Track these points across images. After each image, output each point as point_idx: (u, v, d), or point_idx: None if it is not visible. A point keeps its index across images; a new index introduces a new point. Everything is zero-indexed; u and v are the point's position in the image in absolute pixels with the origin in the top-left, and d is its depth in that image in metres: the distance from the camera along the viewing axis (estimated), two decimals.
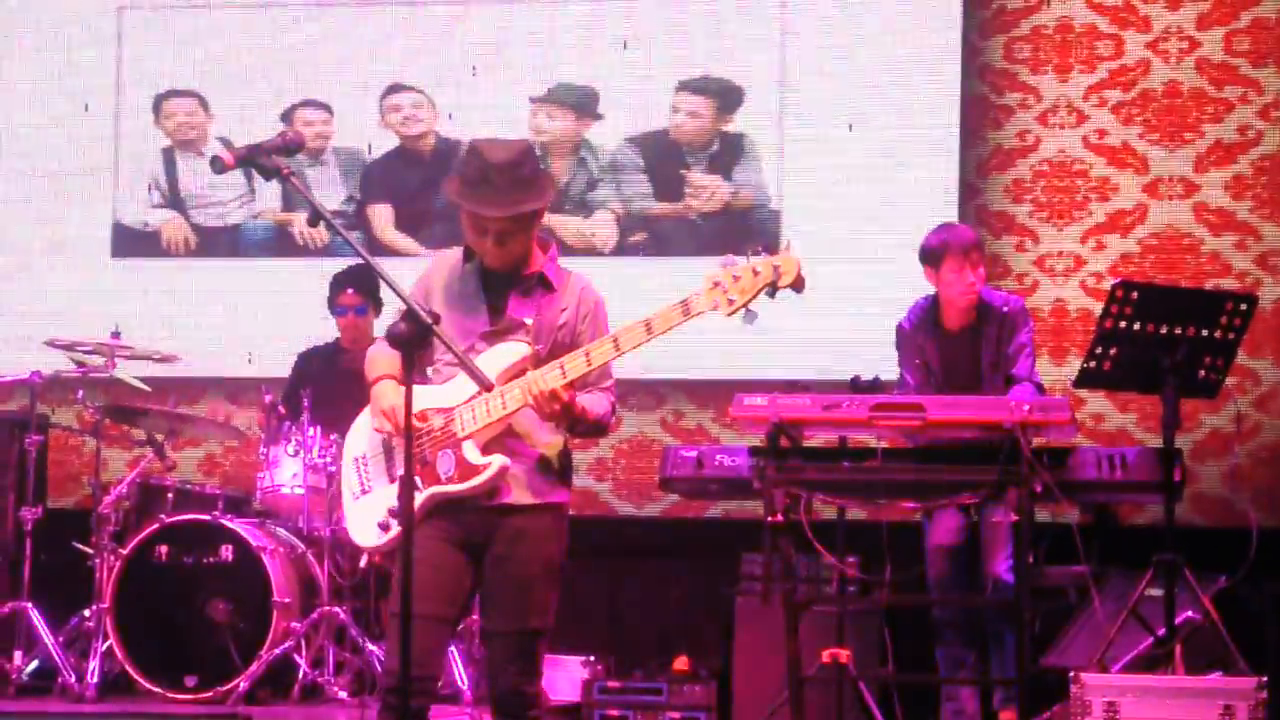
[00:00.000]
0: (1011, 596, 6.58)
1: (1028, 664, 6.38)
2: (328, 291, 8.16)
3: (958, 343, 7.15)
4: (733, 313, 4.76)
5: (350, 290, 8.02)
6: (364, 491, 5.14)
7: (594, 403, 5.04)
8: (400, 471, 4.84)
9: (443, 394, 5.04)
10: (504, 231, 4.98)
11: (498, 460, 4.95)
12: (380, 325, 7.91)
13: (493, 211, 4.94)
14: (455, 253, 5.19)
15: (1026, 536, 6.23)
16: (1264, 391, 8.53)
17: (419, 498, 4.93)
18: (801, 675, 6.49)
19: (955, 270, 7.08)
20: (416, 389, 4.93)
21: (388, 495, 5.03)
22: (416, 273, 5.23)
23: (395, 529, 4.93)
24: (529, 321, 5.00)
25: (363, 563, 7.62)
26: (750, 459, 6.44)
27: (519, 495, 5.00)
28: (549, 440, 5.07)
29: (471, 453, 4.94)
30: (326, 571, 7.67)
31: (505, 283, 5.08)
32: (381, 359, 5.13)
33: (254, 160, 4.71)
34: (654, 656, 8.09)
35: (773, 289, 4.76)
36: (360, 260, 4.77)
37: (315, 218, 4.71)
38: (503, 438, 4.99)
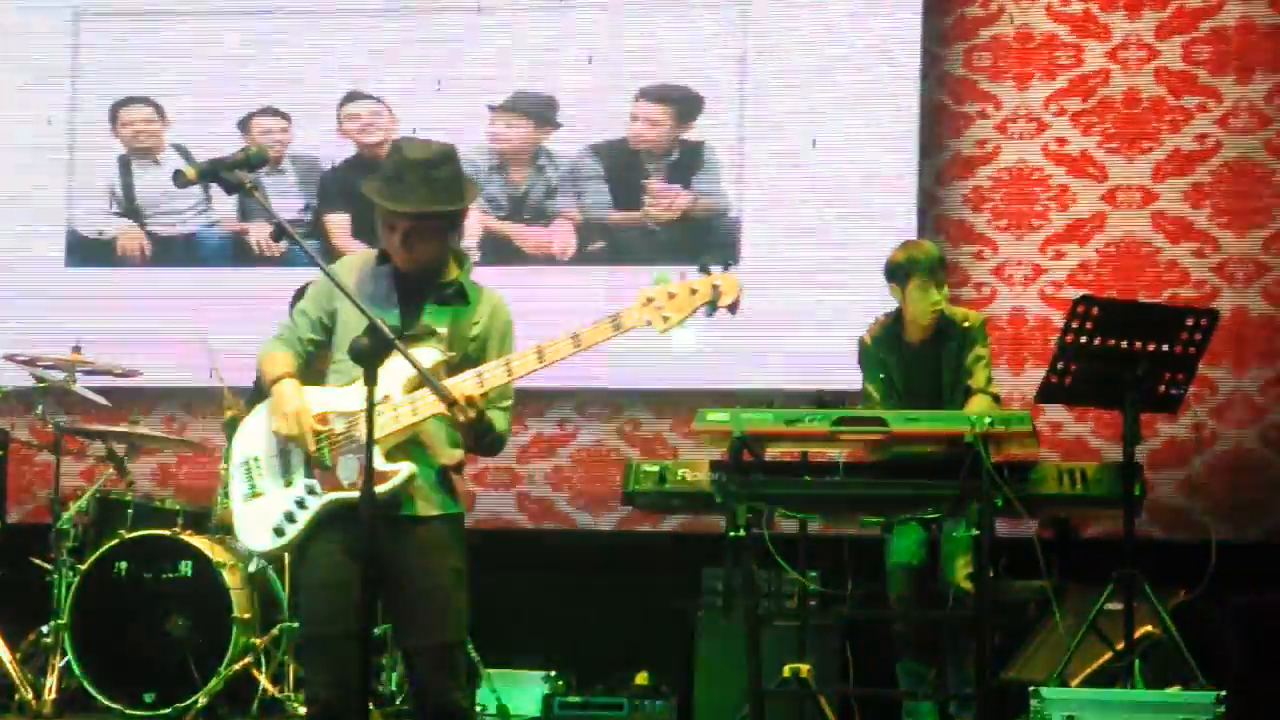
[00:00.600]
0: (971, 609, 6.62)
1: (987, 678, 6.39)
2: (290, 303, 8.12)
3: (920, 358, 7.18)
4: (666, 330, 4.74)
5: None
6: (254, 494, 5.03)
7: (496, 419, 4.98)
8: (303, 476, 4.91)
9: (344, 397, 4.95)
10: (411, 230, 4.93)
11: (406, 468, 4.87)
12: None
13: (398, 206, 4.91)
14: (369, 254, 5.13)
15: (987, 550, 6.25)
16: (1221, 401, 8.58)
17: (317, 503, 4.91)
18: (762, 690, 6.50)
19: (920, 288, 7.12)
20: (315, 391, 5.00)
21: (282, 498, 4.97)
22: None
23: (289, 534, 4.92)
24: (443, 330, 4.95)
25: (251, 566, 7.62)
26: (713, 474, 6.44)
27: (423, 506, 4.94)
28: (451, 451, 5.01)
29: (377, 459, 4.75)
30: (288, 587, 7.66)
31: (420, 288, 5.03)
32: (277, 358, 5.08)
33: (216, 174, 4.68)
34: (615, 671, 8.10)
35: (711, 308, 4.74)
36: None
37: (279, 232, 4.70)
38: (407, 446, 4.91)
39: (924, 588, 7.09)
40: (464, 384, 4.84)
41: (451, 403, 4.73)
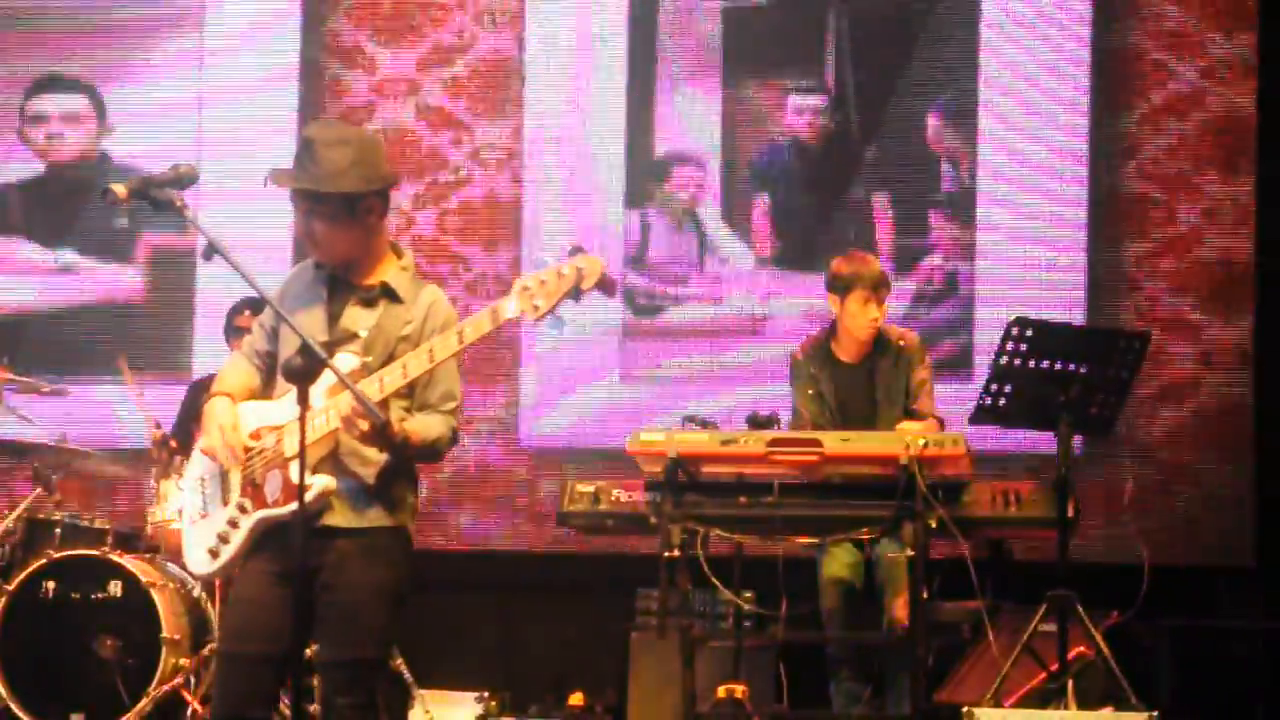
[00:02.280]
0: (905, 631, 6.64)
1: (922, 699, 6.47)
2: (225, 322, 8.11)
3: (852, 374, 7.19)
4: (539, 318, 4.63)
5: (247, 312, 7.87)
6: (202, 515, 5.01)
7: (424, 426, 4.85)
8: (237, 495, 4.88)
9: (276, 411, 4.90)
10: (308, 212, 4.83)
11: (320, 480, 4.76)
12: None
13: (274, 179, 4.84)
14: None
15: (920, 571, 6.34)
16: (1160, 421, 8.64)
17: (248, 521, 4.88)
18: (697, 711, 6.54)
19: (861, 302, 7.13)
20: (251, 406, 4.95)
21: (219, 519, 4.94)
22: None
23: (224, 557, 4.89)
24: (362, 334, 4.83)
25: (195, 591, 7.60)
26: (647, 494, 6.48)
27: (341, 517, 4.83)
28: (372, 460, 4.85)
29: (297, 473, 4.69)
30: (218, 607, 7.58)
31: (348, 291, 4.93)
32: (224, 374, 5.07)
33: (147, 193, 4.67)
34: (549, 692, 8.11)
35: (577, 292, 4.61)
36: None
37: (210, 251, 4.66)
38: (332, 457, 4.82)
39: (857, 603, 7.10)
40: (367, 391, 4.69)
41: (383, 423, 4.67)
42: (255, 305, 7.83)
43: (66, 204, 9.25)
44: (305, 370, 4.62)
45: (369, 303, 4.91)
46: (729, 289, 8.87)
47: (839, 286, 7.16)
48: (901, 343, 7.22)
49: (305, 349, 4.61)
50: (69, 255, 9.19)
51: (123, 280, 9.18)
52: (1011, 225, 8.69)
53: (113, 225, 8.86)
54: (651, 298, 8.91)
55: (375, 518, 4.87)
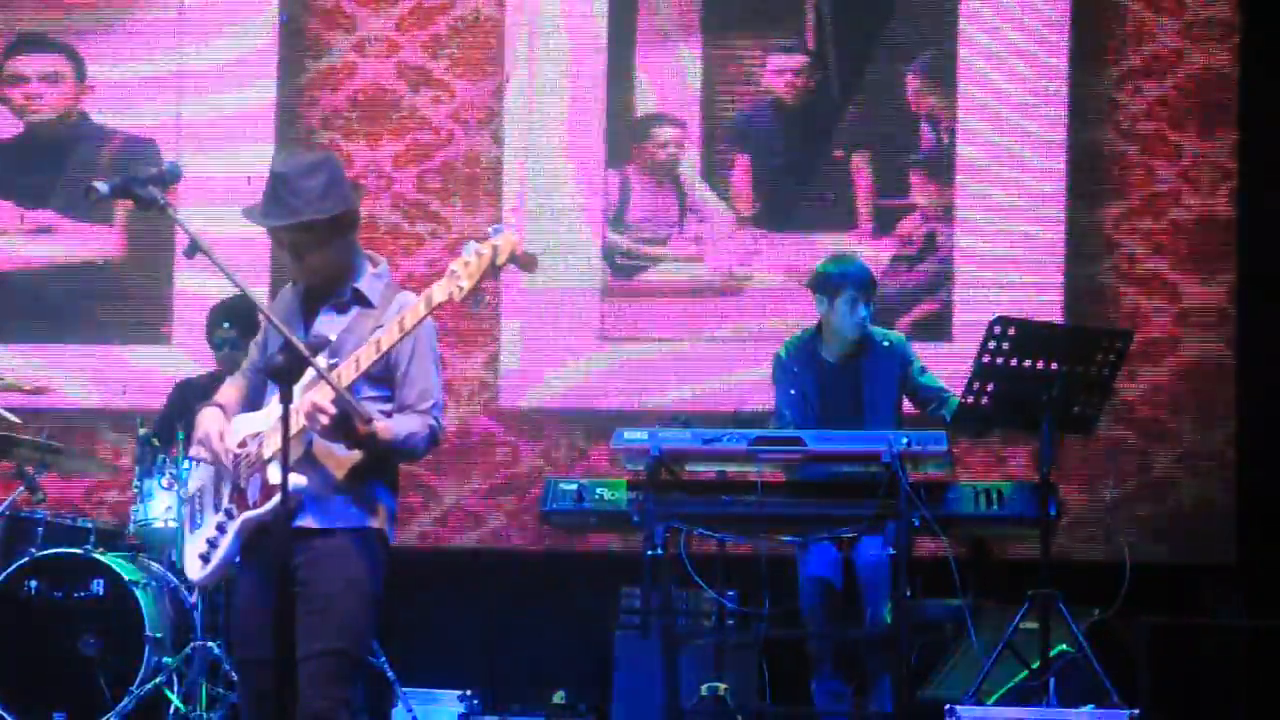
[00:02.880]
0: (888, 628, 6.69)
1: (904, 697, 6.51)
2: (206, 323, 8.10)
3: (837, 376, 7.19)
4: (465, 299, 4.68)
5: (225, 324, 7.87)
6: (200, 524, 5.06)
7: (399, 424, 4.88)
8: (225, 501, 4.92)
9: (260, 418, 4.98)
10: (295, 243, 4.91)
11: (290, 480, 4.78)
12: None
13: (262, 222, 4.92)
14: None
15: (903, 569, 6.36)
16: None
17: (233, 525, 4.91)
18: (680, 709, 6.56)
19: (850, 302, 7.13)
20: (242, 417, 5.01)
21: (210, 525, 4.99)
22: None
23: (214, 561, 4.93)
24: (332, 338, 4.86)
25: (191, 598, 7.59)
26: (631, 493, 6.50)
27: (313, 518, 4.87)
28: (345, 461, 4.88)
29: (273, 474, 4.77)
30: (201, 605, 7.59)
31: (321, 301, 5.01)
32: (223, 389, 5.18)
33: (130, 191, 4.67)
34: (532, 691, 8.11)
35: (495, 269, 4.68)
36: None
37: (193, 249, 4.66)
38: (307, 458, 4.84)
39: (837, 601, 7.10)
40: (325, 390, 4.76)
41: (353, 415, 4.71)
42: (232, 316, 7.82)
43: (46, 164, 9.22)
44: (287, 368, 4.64)
45: (342, 309, 4.99)
46: (709, 249, 8.88)
47: (827, 288, 7.16)
48: (887, 343, 7.23)
49: (287, 346, 4.64)
50: (48, 215, 9.18)
51: (103, 242, 9.15)
52: (990, 185, 8.66)
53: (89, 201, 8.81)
54: (631, 257, 8.92)
55: (349, 519, 4.91)
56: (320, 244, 4.91)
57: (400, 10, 9.00)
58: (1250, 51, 8.51)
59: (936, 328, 8.56)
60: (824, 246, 8.39)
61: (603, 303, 8.86)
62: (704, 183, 8.89)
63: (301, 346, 4.65)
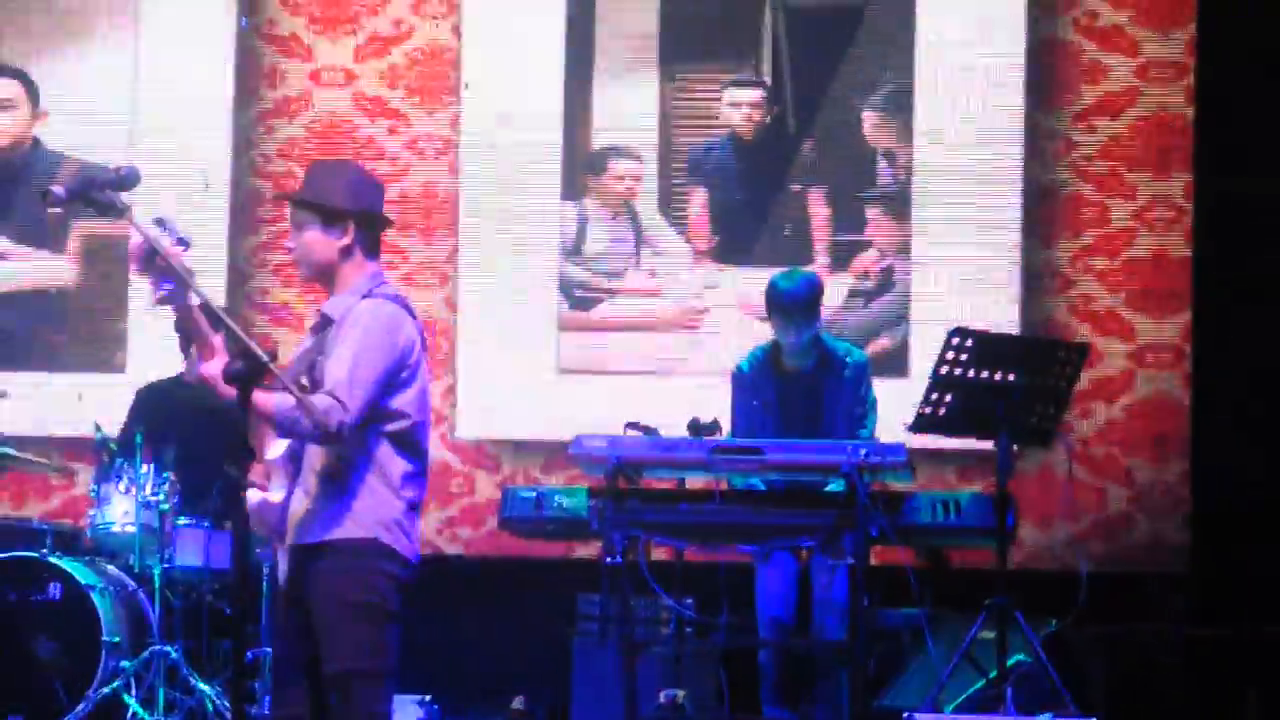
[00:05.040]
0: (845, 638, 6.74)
1: (861, 706, 6.52)
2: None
3: (797, 385, 7.24)
4: (164, 300, 4.72)
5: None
6: None
7: (278, 396, 4.78)
8: None
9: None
10: (291, 222, 5.08)
11: (252, 493, 4.87)
12: None
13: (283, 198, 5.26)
14: None
15: (861, 579, 6.37)
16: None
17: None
18: (638, 716, 6.55)
19: (781, 325, 7.21)
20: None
21: None
22: None
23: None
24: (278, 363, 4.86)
25: (136, 593, 7.62)
26: (589, 500, 6.51)
27: (300, 532, 4.92)
28: (321, 472, 4.91)
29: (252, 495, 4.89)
30: (158, 610, 7.61)
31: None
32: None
33: (88, 195, 4.66)
34: (491, 697, 8.09)
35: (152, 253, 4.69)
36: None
37: (150, 255, 4.64)
38: (289, 477, 4.91)
39: (792, 613, 7.16)
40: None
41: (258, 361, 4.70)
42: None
43: None
44: (246, 373, 4.64)
45: (320, 330, 5.03)
46: (666, 282, 8.91)
47: (766, 305, 7.27)
48: (849, 359, 7.29)
49: (245, 353, 4.64)
50: (1, 242, 9.14)
51: (56, 269, 9.11)
52: (947, 221, 8.72)
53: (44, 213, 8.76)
54: (588, 290, 8.94)
55: (326, 531, 4.91)
56: (298, 227, 5.01)
57: (357, 41, 9.01)
58: (1205, 92, 8.58)
59: (893, 363, 8.58)
60: None
61: (560, 335, 8.88)
62: (661, 216, 8.93)
63: (259, 351, 4.64)
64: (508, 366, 8.85)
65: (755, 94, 8.88)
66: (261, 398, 4.75)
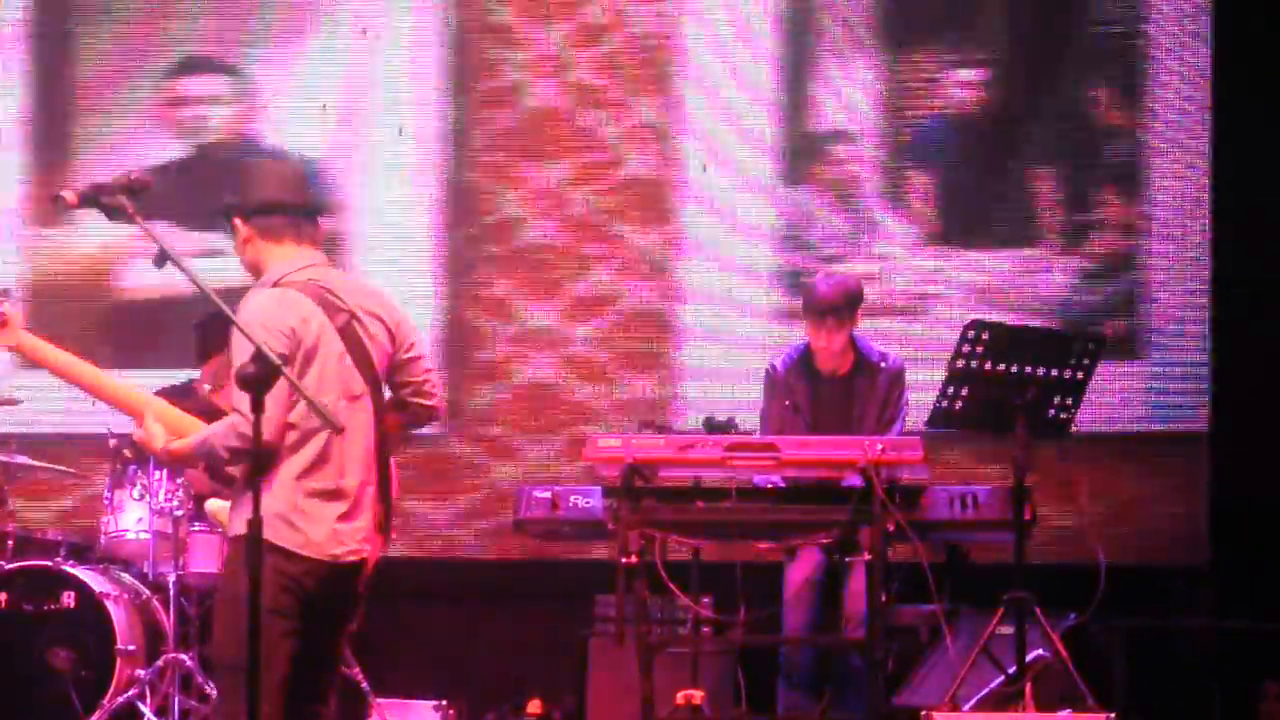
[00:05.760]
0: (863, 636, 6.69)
1: (880, 703, 6.52)
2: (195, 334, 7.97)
3: (831, 387, 7.24)
4: None
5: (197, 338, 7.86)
6: None
7: (196, 438, 5.03)
8: None
9: None
10: None
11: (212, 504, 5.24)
12: None
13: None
14: None
15: (879, 575, 6.35)
16: None
17: None
18: (655, 717, 6.54)
19: (813, 328, 7.18)
20: None
21: None
22: None
23: None
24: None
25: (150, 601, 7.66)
26: (604, 500, 6.51)
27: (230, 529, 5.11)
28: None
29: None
30: (173, 618, 7.61)
31: None
32: None
33: (98, 200, 4.70)
34: (507, 700, 8.12)
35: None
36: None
37: (162, 258, 4.66)
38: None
39: (819, 609, 7.14)
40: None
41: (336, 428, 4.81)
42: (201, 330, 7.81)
43: (215, 186, 9.08)
44: (259, 377, 4.63)
45: None
46: (890, 267, 8.73)
47: (802, 306, 7.25)
48: (882, 365, 7.28)
49: (258, 356, 4.63)
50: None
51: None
52: (1180, 199, 8.54)
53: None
54: (809, 277, 8.70)
55: (240, 525, 4.89)
56: (234, 235, 5.16)
57: (568, 29, 8.92)
58: None
59: (1126, 346, 8.43)
60: (1009, 262, 8.38)
61: (778, 325, 8.73)
62: (884, 200, 8.76)
63: (273, 355, 4.64)
64: (725, 356, 8.75)
65: (980, 72, 8.70)
66: (177, 447, 5.02)
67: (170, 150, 9.11)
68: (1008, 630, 6.51)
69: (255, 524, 4.62)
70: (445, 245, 8.96)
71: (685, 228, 8.84)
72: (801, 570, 7.16)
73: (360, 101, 9.05)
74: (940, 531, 6.67)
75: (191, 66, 9.22)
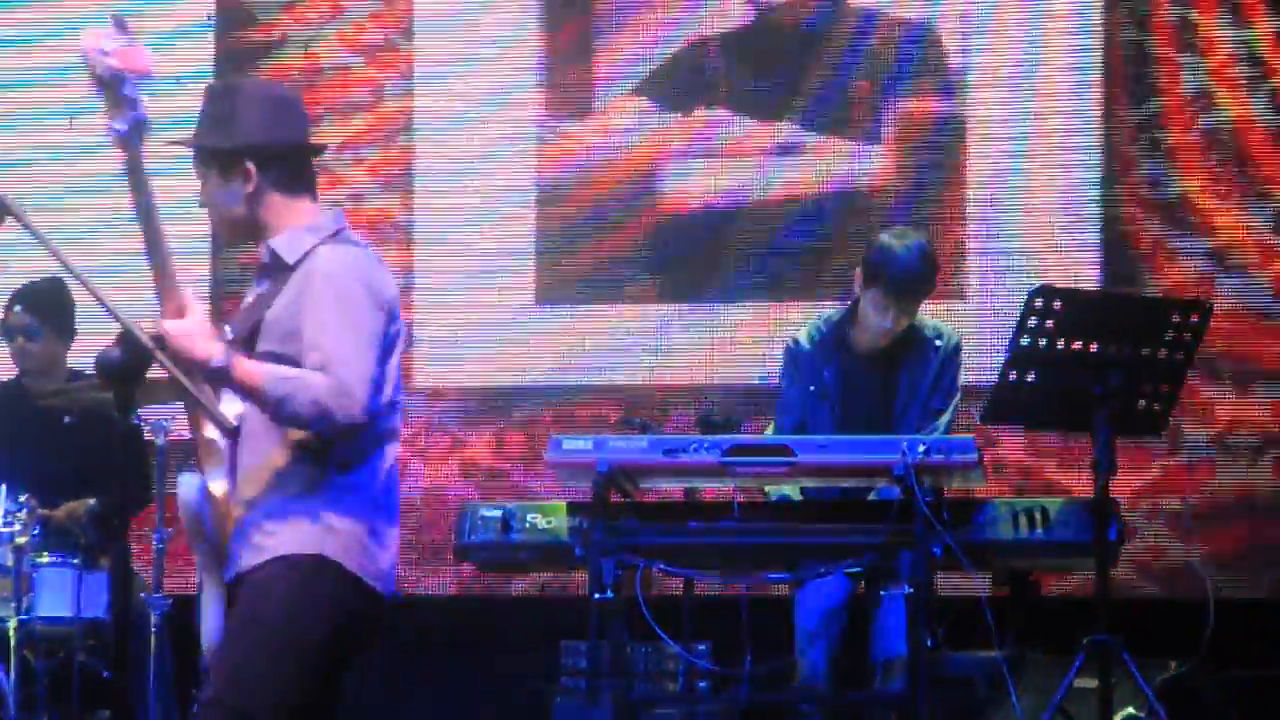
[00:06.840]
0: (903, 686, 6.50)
1: None
2: None
3: (869, 368, 7.07)
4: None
5: (18, 308, 7.92)
6: None
7: (277, 371, 4.76)
8: None
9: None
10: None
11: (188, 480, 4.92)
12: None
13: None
14: None
15: (921, 613, 6.22)
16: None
17: None
18: None
19: (880, 304, 6.97)
20: None
21: None
22: None
23: None
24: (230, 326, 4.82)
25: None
26: (572, 519, 6.45)
27: (243, 560, 4.84)
28: (257, 481, 4.88)
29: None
30: (15, 675, 7.42)
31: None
32: None
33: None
34: None
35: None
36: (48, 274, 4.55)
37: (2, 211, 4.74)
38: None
39: (843, 662, 7.01)
40: None
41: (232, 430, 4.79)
42: (30, 299, 8.08)
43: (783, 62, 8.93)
44: (124, 365, 4.64)
45: (267, 276, 4.94)
46: None
47: (867, 271, 6.90)
48: (938, 341, 7.05)
49: (126, 338, 4.56)
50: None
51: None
52: None
53: None
54: None
55: (272, 547, 4.79)
56: (202, 178, 4.95)
57: None
58: None
59: None
60: None
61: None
62: None
63: (143, 336, 4.54)
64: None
65: None
66: (250, 367, 4.67)
67: None
68: (1090, 683, 6.40)
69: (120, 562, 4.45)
70: None
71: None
72: (818, 601, 7.02)
73: None
74: (1001, 556, 6.55)
75: None
